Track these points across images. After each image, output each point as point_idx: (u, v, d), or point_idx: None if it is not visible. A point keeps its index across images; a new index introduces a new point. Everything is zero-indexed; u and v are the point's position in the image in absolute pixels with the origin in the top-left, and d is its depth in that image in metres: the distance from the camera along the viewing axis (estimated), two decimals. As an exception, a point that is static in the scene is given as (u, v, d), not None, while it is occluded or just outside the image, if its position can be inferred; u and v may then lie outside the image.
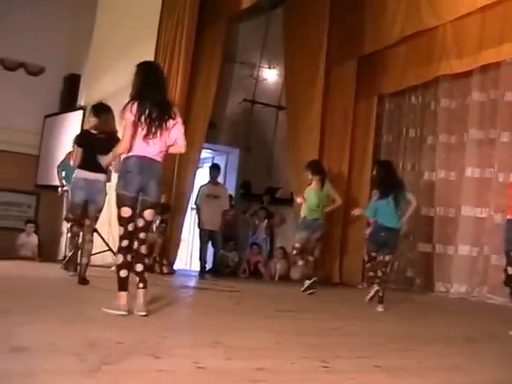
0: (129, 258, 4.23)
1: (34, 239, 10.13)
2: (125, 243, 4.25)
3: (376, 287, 6.23)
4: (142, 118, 4.20)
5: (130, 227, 4.26)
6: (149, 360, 2.69)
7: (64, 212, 8.34)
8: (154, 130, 4.22)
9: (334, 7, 9.81)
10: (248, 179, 11.67)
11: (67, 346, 2.82)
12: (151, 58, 8.60)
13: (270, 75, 11.79)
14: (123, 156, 4.30)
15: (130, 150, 4.24)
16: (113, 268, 7.78)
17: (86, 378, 2.25)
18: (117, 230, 7.73)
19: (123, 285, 4.16)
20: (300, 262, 7.55)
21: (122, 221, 4.27)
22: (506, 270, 5.42)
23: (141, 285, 4.21)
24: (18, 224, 10.56)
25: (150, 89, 4.32)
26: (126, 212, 4.23)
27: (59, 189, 8.41)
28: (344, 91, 10.07)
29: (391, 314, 5.96)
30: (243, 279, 9.47)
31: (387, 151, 10.43)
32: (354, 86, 10.02)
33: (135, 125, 4.20)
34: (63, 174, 8.24)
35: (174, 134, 4.35)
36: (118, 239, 4.36)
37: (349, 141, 10.04)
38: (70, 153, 7.56)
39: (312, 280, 7.39)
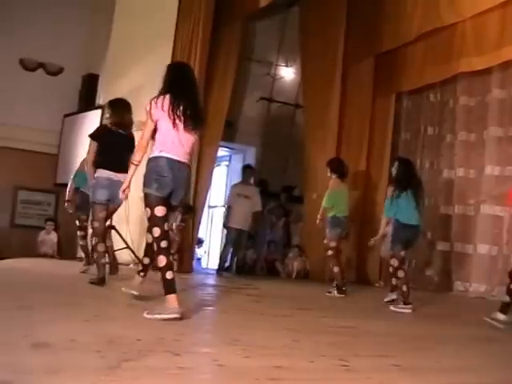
0: (171, 258, 4.06)
1: (53, 237, 10.26)
2: (164, 244, 3.99)
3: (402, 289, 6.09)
4: (177, 112, 4.01)
5: (166, 226, 4.07)
6: (168, 357, 2.69)
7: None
8: (188, 125, 4.06)
9: (351, 4, 9.79)
10: (265, 177, 11.65)
11: (88, 342, 2.84)
12: (168, 57, 8.68)
13: (287, 73, 11.77)
14: (152, 154, 4.06)
15: (159, 148, 4.04)
16: (131, 265, 7.88)
17: (106, 374, 2.26)
18: (136, 228, 7.92)
19: (171, 287, 3.89)
20: (336, 269, 7.16)
21: (158, 220, 4.02)
22: None
23: (142, 273, 4.39)
24: (38, 222, 10.69)
25: (183, 85, 4.15)
26: (161, 211, 4.02)
27: (66, 204, 7.85)
28: (362, 89, 10.04)
29: (409, 313, 5.92)
30: (261, 277, 9.47)
31: (405, 149, 10.36)
32: (372, 84, 9.99)
33: (164, 119, 4.01)
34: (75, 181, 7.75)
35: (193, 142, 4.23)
36: (153, 240, 4.13)
37: (366, 139, 10.01)
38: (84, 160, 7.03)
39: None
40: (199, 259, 10.98)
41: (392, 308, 5.95)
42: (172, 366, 2.56)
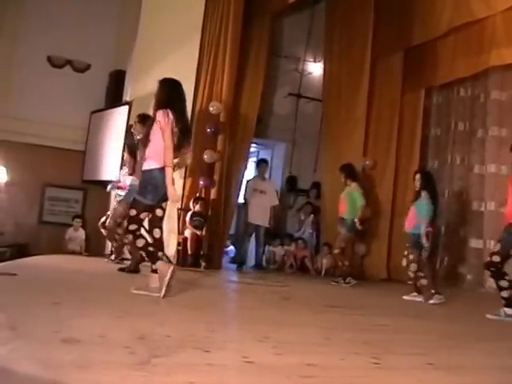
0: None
1: (81, 234, 10.32)
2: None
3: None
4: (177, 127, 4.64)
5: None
6: (198, 354, 2.68)
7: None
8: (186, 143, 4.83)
9: (380, -2, 9.66)
10: (294, 174, 11.61)
11: (117, 338, 2.84)
12: (196, 54, 8.71)
13: (315, 69, 11.68)
14: (154, 166, 4.61)
15: (161, 160, 4.60)
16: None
17: (136, 370, 2.25)
18: (163, 226, 7.92)
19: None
20: (347, 262, 7.81)
21: (133, 220, 4.66)
22: None
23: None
24: (66, 219, 10.77)
25: (181, 103, 4.76)
26: (144, 216, 4.75)
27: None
28: (390, 84, 9.93)
29: (441, 310, 5.90)
30: (290, 274, 9.43)
31: (435, 145, 10.23)
32: (401, 79, 9.89)
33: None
34: None
35: None
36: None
37: (395, 135, 9.90)
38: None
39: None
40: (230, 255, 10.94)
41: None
42: (202, 362, 2.54)
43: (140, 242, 4.62)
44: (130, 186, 6.45)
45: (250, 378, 2.45)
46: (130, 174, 6.49)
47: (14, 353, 2.37)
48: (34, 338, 2.67)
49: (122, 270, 6.41)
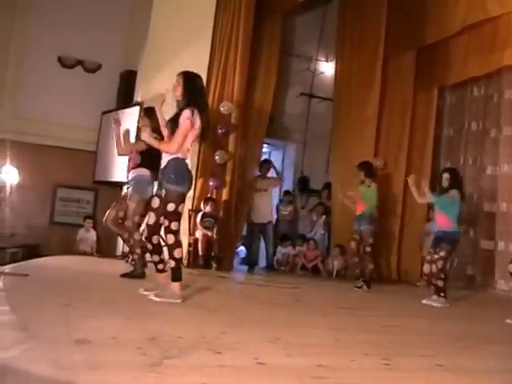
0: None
1: (92, 235, 10.35)
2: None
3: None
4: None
5: None
6: (209, 355, 2.69)
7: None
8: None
9: (392, -3, 9.61)
10: (305, 174, 11.57)
11: (129, 339, 2.85)
12: (207, 53, 8.66)
13: (327, 68, 11.61)
14: (181, 155, 4.50)
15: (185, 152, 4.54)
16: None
17: (148, 371, 2.26)
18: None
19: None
20: (371, 266, 7.60)
21: (180, 216, 4.48)
22: None
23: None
24: (77, 220, 10.81)
25: (203, 102, 4.71)
26: (182, 209, 4.51)
27: None
28: (402, 83, 9.87)
29: (451, 312, 5.88)
30: (301, 275, 9.41)
31: (448, 145, 10.16)
32: (413, 78, 9.81)
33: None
34: None
35: None
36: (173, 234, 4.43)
37: (407, 135, 9.84)
38: None
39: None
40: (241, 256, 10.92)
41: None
42: (213, 363, 2.56)
43: (179, 253, 4.42)
44: (134, 179, 6.17)
45: (261, 379, 2.47)
46: (132, 168, 6.28)
47: (27, 353, 2.38)
48: (46, 338, 2.68)
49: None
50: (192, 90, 4.56)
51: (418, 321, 5.06)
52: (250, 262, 9.79)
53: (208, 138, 4.83)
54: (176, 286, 4.42)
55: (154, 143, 4.67)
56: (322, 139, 11.20)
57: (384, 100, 9.86)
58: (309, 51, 11.56)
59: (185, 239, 8.46)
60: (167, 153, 4.51)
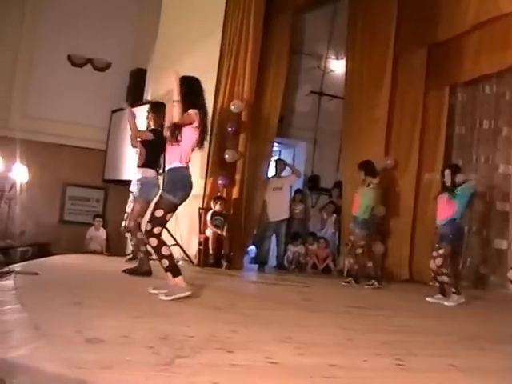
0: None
1: (102, 233, 10.37)
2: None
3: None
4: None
5: None
6: (221, 354, 2.68)
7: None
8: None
9: (403, -6, 9.56)
10: (316, 173, 11.54)
11: (140, 338, 2.84)
12: (217, 52, 8.66)
13: (338, 66, 11.59)
14: (184, 165, 4.54)
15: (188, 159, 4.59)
16: (180, 262, 7.88)
17: (160, 370, 2.25)
18: (185, 226, 7.96)
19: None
20: (370, 264, 7.75)
21: (165, 224, 4.62)
22: None
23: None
24: (87, 218, 10.83)
25: (203, 105, 4.68)
26: (170, 217, 4.57)
27: None
28: (413, 81, 9.81)
29: (464, 311, 5.84)
30: (311, 274, 9.38)
31: (460, 144, 10.07)
32: (424, 76, 9.74)
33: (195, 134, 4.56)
34: None
35: None
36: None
37: (418, 133, 9.76)
38: None
39: None
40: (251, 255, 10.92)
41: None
42: (225, 363, 2.54)
43: (166, 250, 4.47)
44: (140, 180, 6.17)
45: (273, 378, 2.45)
46: (140, 167, 6.24)
47: (38, 352, 2.38)
48: (57, 337, 2.67)
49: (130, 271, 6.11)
50: (192, 93, 4.62)
51: (430, 320, 5.03)
52: (261, 260, 9.79)
53: (203, 144, 4.74)
54: (179, 279, 4.44)
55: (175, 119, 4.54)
56: (332, 137, 11.17)
57: (395, 98, 9.82)
58: (319, 49, 11.55)
59: (195, 238, 8.48)
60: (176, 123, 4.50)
